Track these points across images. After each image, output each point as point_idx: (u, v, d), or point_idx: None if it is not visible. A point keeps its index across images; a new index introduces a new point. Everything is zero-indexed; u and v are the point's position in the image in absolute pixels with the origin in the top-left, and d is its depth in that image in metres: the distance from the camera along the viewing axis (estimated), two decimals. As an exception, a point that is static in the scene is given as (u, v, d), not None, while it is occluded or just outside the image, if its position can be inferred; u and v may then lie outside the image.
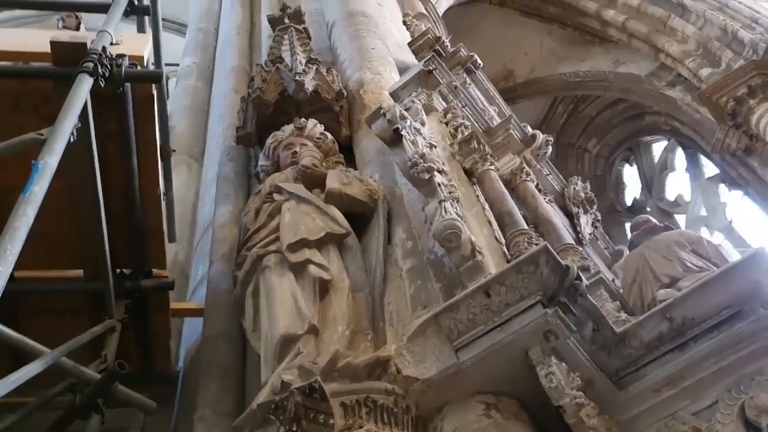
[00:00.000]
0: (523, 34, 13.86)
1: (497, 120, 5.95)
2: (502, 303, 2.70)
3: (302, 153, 3.98)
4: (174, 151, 5.36)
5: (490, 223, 3.29)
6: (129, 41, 3.43)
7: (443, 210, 2.99)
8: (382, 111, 3.44)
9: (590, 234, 4.68)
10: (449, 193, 3.23)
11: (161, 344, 4.06)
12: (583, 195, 4.78)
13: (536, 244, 3.03)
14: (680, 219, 12.93)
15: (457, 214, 3.10)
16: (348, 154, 4.49)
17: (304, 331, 2.86)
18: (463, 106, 4.33)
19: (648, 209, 13.67)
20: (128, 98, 3.31)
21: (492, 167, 3.59)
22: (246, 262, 3.31)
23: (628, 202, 14.42)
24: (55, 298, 3.79)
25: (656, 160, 13.70)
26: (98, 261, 3.59)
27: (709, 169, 12.30)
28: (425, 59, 4.23)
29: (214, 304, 3.91)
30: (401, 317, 3.10)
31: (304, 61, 5.00)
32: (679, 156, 13.07)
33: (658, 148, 13.72)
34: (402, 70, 5.91)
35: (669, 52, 11.04)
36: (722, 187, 11.76)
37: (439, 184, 3.19)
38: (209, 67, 8.01)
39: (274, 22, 6.09)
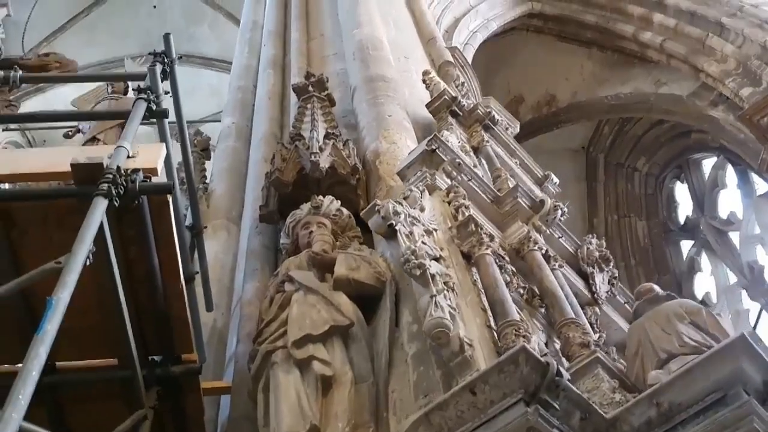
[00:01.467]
0: (562, 59, 13.89)
1: (519, 173, 6.13)
2: (487, 400, 2.84)
3: (314, 237, 4.20)
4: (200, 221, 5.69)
5: (484, 310, 3.43)
6: (144, 153, 3.71)
7: (434, 305, 3.15)
8: (376, 207, 3.63)
9: (607, 292, 4.74)
10: (444, 283, 3.38)
11: (195, 425, 4.29)
12: (597, 254, 4.84)
13: (524, 336, 3.16)
14: (734, 236, 12.69)
15: (450, 306, 3.25)
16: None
17: (305, 430, 3.05)
18: (469, 180, 4.46)
19: (701, 227, 13.46)
20: (144, 207, 3.58)
21: (488, 251, 3.71)
22: (257, 357, 3.53)
23: (681, 220, 14.20)
24: (92, 386, 4.07)
25: (706, 177, 13.47)
26: (129, 350, 3.87)
27: (762, 185, 12.05)
28: (428, 139, 4.39)
29: (239, 384, 4.13)
30: (404, 405, 3.26)
31: (322, 136, 5.24)
32: (730, 173, 12.83)
33: (708, 164, 13.50)
34: (424, 127, 6.11)
35: (709, 72, 10.92)
36: (775, 204, 11.51)
37: (433, 276, 3.35)
38: (248, 126, 8.28)
39: (298, 91, 6.36)
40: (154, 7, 19.71)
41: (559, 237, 4.76)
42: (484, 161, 5.62)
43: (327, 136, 5.23)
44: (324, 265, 3.90)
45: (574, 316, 3.81)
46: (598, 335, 4.44)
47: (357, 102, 6.17)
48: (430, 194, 4.16)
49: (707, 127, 11.61)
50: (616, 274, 4.95)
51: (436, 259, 3.59)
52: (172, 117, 4.75)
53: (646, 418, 3.00)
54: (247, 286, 4.91)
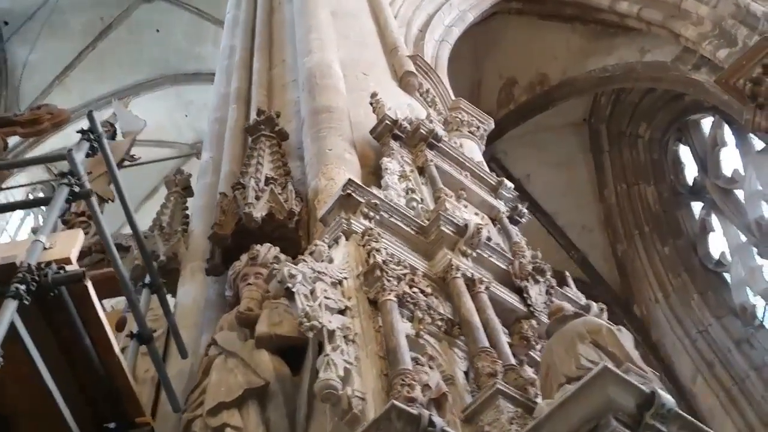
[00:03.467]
0: (549, 37, 13.88)
1: (470, 185, 6.24)
2: (365, 457, 3.03)
3: (243, 294, 4.41)
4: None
5: (384, 358, 3.59)
6: (62, 242, 3.95)
7: (326, 364, 3.34)
8: (273, 272, 3.81)
9: (544, 303, 4.84)
10: (344, 337, 3.56)
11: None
12: (530, 267, 4.94)
13: (410, 386, 3.31)
14: (740, 194, 12.56)
15: (346, 361, 3.44)
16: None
17: (216, 499, 3.28)
18: (390, 216, 4.61)
19: (707, 188, 13.35)
20: (65, 295, 3.82)
21: (391, 296, 3.84)
22: (181, 426, 3.77)
23: (690, 182, 14.08)
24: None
25: (707, 137, 13.32)
26: (84, 422, 4.14)
27: (759, 141, 11.87)
28: (344, 184, 4.54)
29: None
30: (328, 456, 3.46)
31: (263, 182, 5.43)
32: (728, 131, 12.67)
33: (707, 124, 13.35)
34: (377, 151, 6.22)
35: (687, 36, 10.83)
36: (774, 159, 11.36)
37: (332, 333, 3.53)
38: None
39: (249, 131, 6.57)
40: (157, 31, 20.12)
41: (489, 256, 4.87)
42: (429, 182, 5.76)
43: (267, 181, 5.41)
44: (250, 324, 4.11)
45: (485, 345, 3.94)
46: (540, 346, 4.58)
47: (304, 135, 6.35)
48: (347, 239, 4.32)
49: (693, 92, 11.50)
50: (553, 284, 5.04)
51: (342, 311, 3.77)
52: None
53: (531, 451, 3.15)
54: (203, 338, 5.14)
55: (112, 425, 4.42)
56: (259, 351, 3.91)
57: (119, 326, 6.21)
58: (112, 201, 9.69)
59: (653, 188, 14.65)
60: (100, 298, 7.86)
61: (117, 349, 4.18)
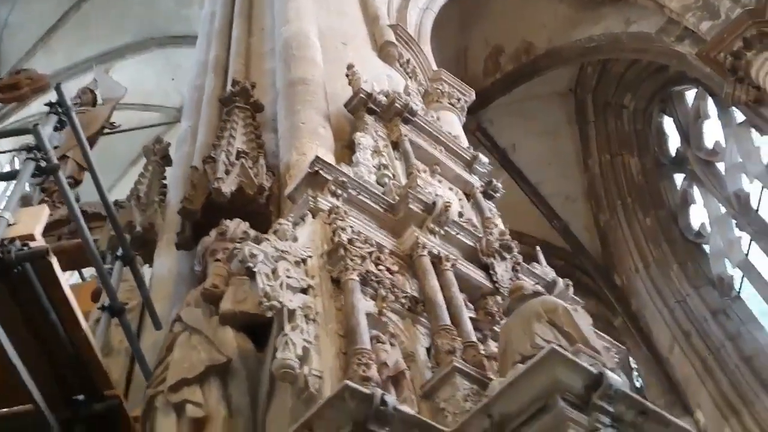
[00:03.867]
0: (537, 5, 13.78)
1: (444, 160, 6.27)
2: (323, 435, 3.10)
3: (209, 270, 4.45)
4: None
5: (344, 336, 3.65)
6: (26, 218, 3.96)
7: (284, 344, 3.40)
8: (234, 251, 3.85)
9: (510, 279, 4.90)
10: (305, 315, 3.62)
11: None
12: (497, 244, 5.00)
13: (366, 365, 3.38)
14: (721, 167, 12.63)
15: (305, 340, 3.50)
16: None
17: (174, 473, 3.36)
18: (358, 194, 4.64)
19: (689, 159, 13.41)
20: (30, 272, 3.85)
21: (353, 275, 3.89)
22: (144, 401, 3.83)
23: (672, 153, 14.14)
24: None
25: (690, 108, 13.34)
26: (53, 395, 4.21)
27: (741, 113, 11.90)
28: (311, 161, 4.55)
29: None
30: (279, 433, 3.53)
31: (234, 155, 5.43)
32: (711, 103, 12.69)
33: (691, 96, 13.36)
34: (353, 124, 6.22)
35: (671, 8, 10.78)
36: (754, 132, 11.40)
37: (292, 312, 3.58)
38: (204, 130, 8.46)
39: (224, 102, 6.54)
40: (144, -9, 19.79)
41: (457, 233, 4.91)
42: (403, 157, 5.78)
43: (239, 154, 5.42)
44: (215, 300, 4.15)
45: (446, 323, 4.00)
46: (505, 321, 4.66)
47: (279, 108, 6.33)
48: (313, 217, 4.35)
49: (677, 64, 11.49)
50: (520, 260, 5.10)
51: (304, 290, 3.82)
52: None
53: (482, 430, 3.23)
54: (174, 311, 5.18)
55: (80, 397, 4.48)
56: (223, 328, 3.96)
57: (94, 297, 6.26)
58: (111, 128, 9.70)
59: (637, 159, 14.71)
60: (71, 269, 7.92)
61: (84, 323, 4.21)
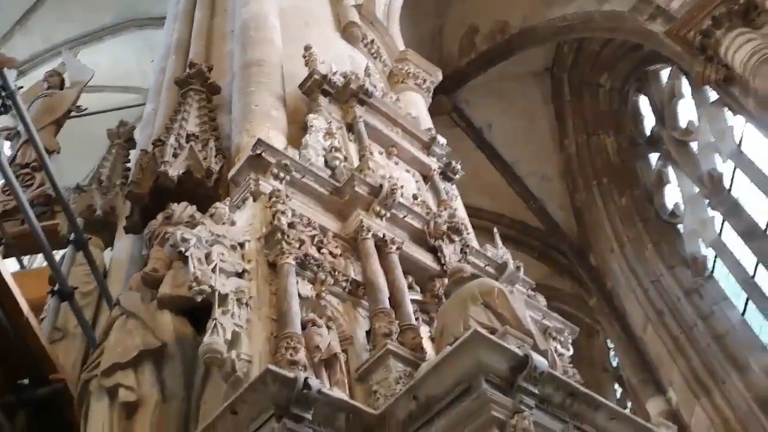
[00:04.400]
0: (513, -17, 13.67)
1: (401, 142, 6.23)
2: (247, 418, 3.09)
3: (150, 254, 4.41)
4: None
5: (276, 320, 3.63)
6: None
7: (213, 328, 3.38)
8: (166, 236, 3.81)
9: (459, 261, 4.89)
10: (237, 300, 3.60)
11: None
12: (445, 227, 4.98)
13: (294, 349, 3.37)
14: (694, 146, 12.63)
15: (236, 324, 3.48)
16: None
17: (102, 458, 3.35)
18: (303, 177, 4.60)
19: (663, 139, 13.41)
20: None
21: (289, 259, 3.87)
22: (79, 385, 3.82)
23: (648, 133, 14.13)
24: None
25: (665, 87, 13.32)
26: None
27: (714, 93, 11.89)
28: (254, 144, 4.51)
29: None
30: (211, 416, 3.51)
31: (184, 138, 5.38)
32: (685, 83, 12.66)
33: (666, 75, 13.32)
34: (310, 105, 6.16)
35: (642, -15, 10.71)
36: (727, 111, 11.39)
37: (225, 296, 3.57)
38: (165, 114, 8.35)
39: (180, 84, 6.47)
40: (122, -28, 19.52)
41: (404, 216, 4.89)
42: (357, 140, 5.74)
43: (189, 137, 5.37)
44: (155, 284, 4.12)
45: (384, 306, 4.00)
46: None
47: (233, 90, 6.27)
48: (254, 201, 4.32)
49: (649, 43, 11.44)
50: (469, 243, 5.09)
51: (240, 275, 3.79)
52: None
53: (408, 412, 3.23)
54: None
55: (25, 382, 4.47)
56: (161, 312, 3.94)
57: (52, 281, 6.21)
58: (58, 153, 9.61)
59: (613, 139, 14.68)
60: (23, 254, 7.86)
61: (26, 309, 4.19)
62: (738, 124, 11.35)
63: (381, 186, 4.73)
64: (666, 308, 12.56)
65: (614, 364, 15.67)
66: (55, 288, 5.07)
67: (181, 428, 3.53)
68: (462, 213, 6.42)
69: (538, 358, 3.13)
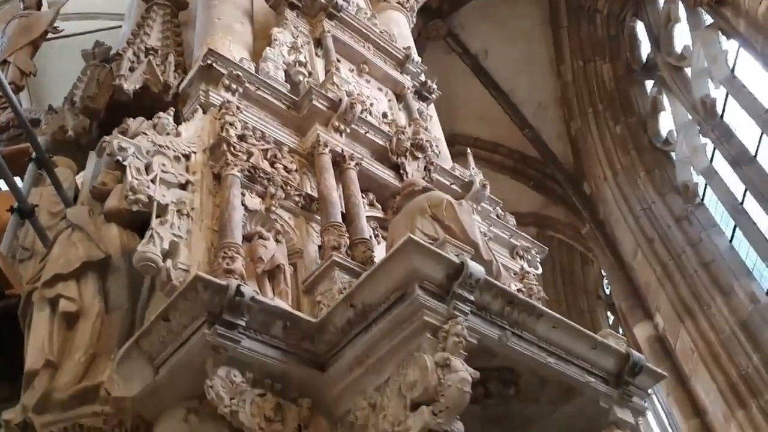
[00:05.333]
0: None
1: (372, 58, 6.08)
2: (180, 325, 3.08)
3: (101, 170, 4.34)
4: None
5: (219, 231, 3.58)
6: None
7: (149, 237, 3.33)
8: (103, 145, 3.73)
9: (423, 179, 4.81)
10: (178, 211, 3.55)
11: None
12: (409, 144, 4.87)
13: (231, 258, 3.33)
14: (689, 72, 12.35)
15: (175, 234, 3.44)
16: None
17: (40, 366, 3.35)
18: (257, 89, 4.49)
19: (658, 65, 13.12)
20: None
21: (234, 171, 3.80)
22: (23, 297, 3.80)
23: (644, 59, 13.81)
24: None
25: (661, 12, 12.95)
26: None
27: (710, 16, 11.55)
28: (204, 54, 4.39)
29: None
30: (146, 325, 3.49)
31: (143, 52, 5.25)
32: (681, 6, 12.29)
33: (663, -2, 12.93)
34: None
35: None
36: (721, 36, 11.10)
37: (165, 206, 3.51)
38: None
39: (145, 0, 6.28)
40: None
41: (366, 132, 4.79)
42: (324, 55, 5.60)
43: (148, 52, 5.23)
44: (103, 197, 4.07)
45: (335, 220, 3.94)
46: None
47: (197, 3, 6.08)
48: (204, 113, 4.22)
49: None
50: (433, 161, 5.00)
51: (183, 186, 3.73)
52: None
53: (346, 319, 3.22)
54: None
55: (-22, 297, 4.47)
56: (108, 225, 3.89)
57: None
58: (34, 75, 9.48)
59: (609, 65, 14.38)
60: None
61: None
62: (731, 48, 11.05)
63: (340, 100, 4.62)
64: (656, 235, 12.51)
65: (607, 291, 15.77)
66: (15, 206, 5.02)
67: (124, 339, 3.51)
68: (438, 134, 6.31)
69: (473, 266, 3.08)
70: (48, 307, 3.59)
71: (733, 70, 11.18)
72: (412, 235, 3.06)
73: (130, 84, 4.89)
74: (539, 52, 15.35)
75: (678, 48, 12.49)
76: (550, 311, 3.38)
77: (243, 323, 3.02)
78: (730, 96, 11.23)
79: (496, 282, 3.22)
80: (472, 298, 3.07)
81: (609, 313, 15.78)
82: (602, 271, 15.67)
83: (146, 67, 5.04)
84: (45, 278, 3.65)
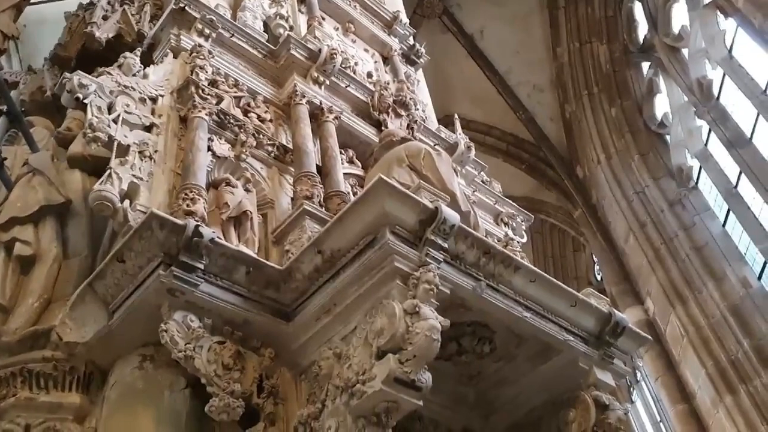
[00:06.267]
0: None
1: (358, 17, 5.90)
2: (135, 266, 2.91)
3: (66, 116, 4.17)
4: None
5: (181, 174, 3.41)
6: None
7: (106, 177, 3.16)
8: (63, 81, 3.54)
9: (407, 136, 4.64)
10: (140, 152, 3.38)
11: None
12: (391, 100, 4.70)
13: (192, 200, 3.15)
14: (686, 53, 12.17)
15: (135, 176, 3.27)
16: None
17: (-8, 309, 3.19)
18: (232, 36, 4.31)
19: (655, 46, 12.93)
20: None
21: (202, 113, 3.62)
22: (-22, 241, 3.63)
23: (641, 40, 13.62)
24: None
25: (659, -9, 12.75)
26: None
27: (709, -5, 11.36)
28: (177, -5, 4.20)
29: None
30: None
31: (119, 1, 5.06)
32: (681, -16, 12.10)
33: (661, -22, 12.72)
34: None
35: None
36: (719, 15, 10.91)
37: (127, 147, 3.34)
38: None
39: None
40: None
41: (347, 86, 4.62)
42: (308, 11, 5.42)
43: (123, 0, 5.04)
44: (67, 144, 3.90)
45: (309, 170, 3.78)
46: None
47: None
48: (175, 57, 4.05)
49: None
50: (416, 119, 4.82)
51: (148, 128, 3.56)
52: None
53: (313, 266, 3.05)
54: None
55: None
56: (71, 171, 3.73)
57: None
58: (17, 38, 9.28)
59: (606, 47, 14.17)
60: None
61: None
62: (730, 28, 10.87)
63: (320, 50, 4.44)
64: (649, 219, 12.36)
65: (599, 277, 15.62)
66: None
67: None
68: (426, 99, 6.14)
69: (448, 211, 2.91)
70: (3, 251, 3.42)
71: (730, 50, 11.00)
72: (383, 176, 2.87)
73: (103, 32, 4.70)
74: (536, 33, 15.14)
75: (675, 28, 12.30)
76: (526, 263, 3.22)
77: (202, 266, 2.86)
78: (726, 77, 11.05)
79: (471, 230, 3.05)
80: (445, 245, 2.90)
81: (600, 299, 15.62)
82: (593, 257, 15.53)
83: (120, 16, 4.86)
84: (1, 221, 3.48)
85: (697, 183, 12.10)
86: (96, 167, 3.78)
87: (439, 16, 14.74)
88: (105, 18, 4.80)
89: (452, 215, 2.92)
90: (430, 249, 2.87)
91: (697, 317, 10.88)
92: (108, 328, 2.95)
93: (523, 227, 5.38)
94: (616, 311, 3.48)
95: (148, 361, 2.94)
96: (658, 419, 13.48)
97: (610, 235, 13.36)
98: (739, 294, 10.46)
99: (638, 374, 14.56)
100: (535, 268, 3.26)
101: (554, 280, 3.31)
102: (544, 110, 15.16)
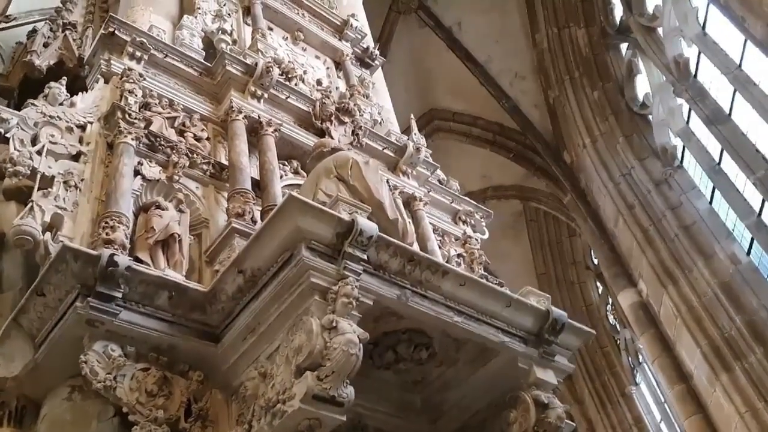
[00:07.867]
0: None
1: (307, 25, 5.88)
2: (56, 299, 2.91)
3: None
4: None
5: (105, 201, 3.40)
6: None
7: (29, 209, 3.16)
8: None
9: (350, 143, 4.63)
10: (65, 182, 3.37)
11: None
12: (333, 108, 4.68)
13: (112, 228, 3.14)
14: (661, 32, 12.10)
15: (59, 206, 3.26)
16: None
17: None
18: (165, 56, 4.30)
19: (631, 27, 12.86)
20: None
21: (127, 139, 3.61)
22: None
23: (618, 22, 13.55)
24: None
25: (632, -29, 12.66)
26: None
27: (680, -28, 11.28)
28: (106, 21, 4.19)
29: None
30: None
31: (61, 27, 5.06)
32: (653, -37, 12.02)
33: (633, -43, 12.63)
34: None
35: None
36: (692, -8, 10.85)
37: (50, 178, 3.34)
38: None
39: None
40: None
41: (287, 97, 4.60)
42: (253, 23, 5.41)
43: (65, 26, 5.04)
44: (3, 176, 3.88)
45: (243, 187, 3.77)
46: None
47: (124, -23, 5.87)
48: (106, 82, 4.04)
49: None
50: (361, 125, 4.80)
51: (75, 157, 3.55)
52: None
53: (236, 287, 3.04)
54: None
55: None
56: (7, 203, 3.72)
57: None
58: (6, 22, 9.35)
59: (584, 30, 14.10)
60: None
61: None
62: (701, 5, 10.79)
63: (256, 64, 4.42)
64: (637, 201, 12.30)
65: (596, 262, 15.57)
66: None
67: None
68: (384, 102, 6.13)
69: (365, 223, 2.90)
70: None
71: (704, 27, 10.92)
72: (293, 193, 2.87)
73: (43, 60, 4.71)
74: (514, 21, 15.06)
75: (650, 8, 12.23)
76: (454, 268, 3.20)
77: (120, 295, 2.86)
78: (702, 54, 10.97)
79: (393, 240, 3.03)
80: (365, 257, 2.89)
81: (598, 284, 15.60)
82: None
83: (62, 42, 4.86)
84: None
85: (681, 162, 12.03)
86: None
87: (415, 11, 14.70)
88: (46, 45, 4.79)
89: (369, 226, 2.90)
90: (349, 262, 2.86)
91: (688, 297, 10.82)
92: (34, 362, 2.96)
93: (483, 224, 5.36)
94: (554, 308, 3.46)
95: (77, 392, 2.94)
96: (663, 400, 13.48)
97: (600, 219, 13.31)
98: (729, 271, 10.40)
99: (640, 357, 14.54)
100: (465, 272, 3.26)
101: (486, 282, 3.30)
102: (528, 98, 15.09)
